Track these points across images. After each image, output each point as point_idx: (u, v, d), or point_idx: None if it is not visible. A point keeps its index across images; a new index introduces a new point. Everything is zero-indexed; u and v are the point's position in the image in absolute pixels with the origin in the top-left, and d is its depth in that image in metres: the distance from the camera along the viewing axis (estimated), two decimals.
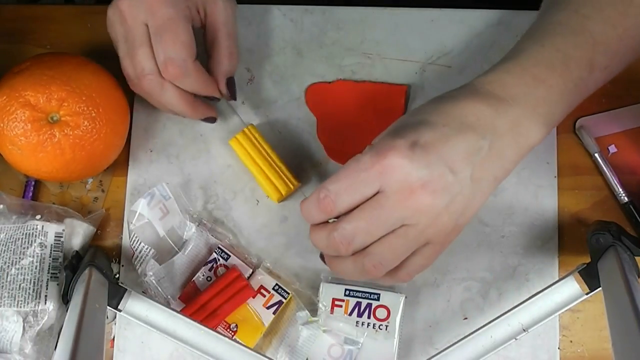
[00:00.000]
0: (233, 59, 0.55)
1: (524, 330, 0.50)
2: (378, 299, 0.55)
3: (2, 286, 0.53)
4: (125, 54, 0.53)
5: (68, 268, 0.51)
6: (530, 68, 0.46)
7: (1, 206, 0.56)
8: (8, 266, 0.54)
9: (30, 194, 0.59)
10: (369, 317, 0.55)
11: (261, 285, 0.56)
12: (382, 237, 0.45)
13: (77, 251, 0.55)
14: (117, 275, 0.58)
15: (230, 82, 0.56)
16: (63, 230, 0.56)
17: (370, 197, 0.44)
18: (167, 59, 0.51)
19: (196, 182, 0.59)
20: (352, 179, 0.44)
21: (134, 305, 0.51)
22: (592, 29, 0.47)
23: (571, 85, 0.46)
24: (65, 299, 0.51)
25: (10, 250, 0.54)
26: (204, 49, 0.56)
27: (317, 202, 0.45)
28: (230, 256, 0.57)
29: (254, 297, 0.56)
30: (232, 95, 0.57)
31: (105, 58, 0.57)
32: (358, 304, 0.55)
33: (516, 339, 0.50)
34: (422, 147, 0.43)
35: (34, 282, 0.54)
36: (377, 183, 0.44)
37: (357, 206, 0.45)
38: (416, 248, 0.46)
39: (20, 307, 0.53)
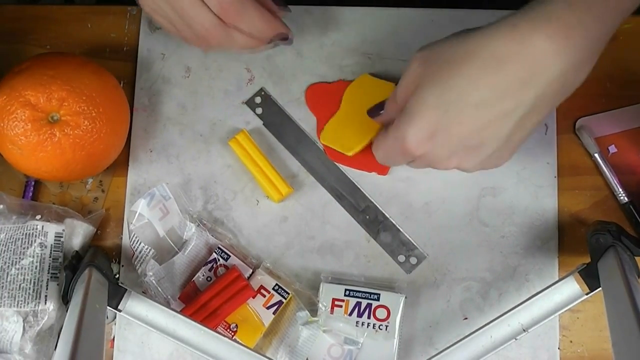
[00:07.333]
0: None
1: (524, 330, 0.50)
2: (378, 299, 0.55)
3: (2, 286, 0.53)
4: (181, 24, 0.51)
5: (68, 268, 0.51)
6: None
7: (1, 206, 0.56)
8: (8, 266, 0.54)
9: (30, 194, 0.59)
10: (369, 317, 0.55)
11: (261, 286, 0.56)
12: None
13: (77, 251, 0.55)
14: (117, 275, 0.58)
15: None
16: (63, 230, 0.56)
17: None
18: (221, 2, 0.49)
19: (196, 182, 0.59)
20: None
21: (134, 305, 0.51)
22: None
23: None
24: (65, 299, 0.51)
25: (10, 250, 0.54)
26: None
27: None
28: (230, 256, 0.57)
29: (254, 297, 0.56)
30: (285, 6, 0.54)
31: (105, 58, 0.57)
32: (358, 304, 0.55)
33: (516, 339, 0.50)
34: None
35: (34, 282, 0.53)
36: None
37: None
38: None
39: (20, 307, 0.53)
